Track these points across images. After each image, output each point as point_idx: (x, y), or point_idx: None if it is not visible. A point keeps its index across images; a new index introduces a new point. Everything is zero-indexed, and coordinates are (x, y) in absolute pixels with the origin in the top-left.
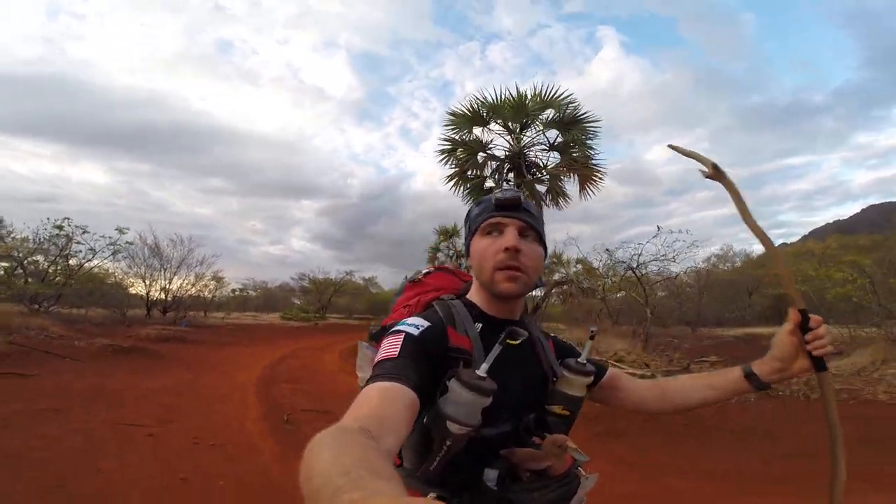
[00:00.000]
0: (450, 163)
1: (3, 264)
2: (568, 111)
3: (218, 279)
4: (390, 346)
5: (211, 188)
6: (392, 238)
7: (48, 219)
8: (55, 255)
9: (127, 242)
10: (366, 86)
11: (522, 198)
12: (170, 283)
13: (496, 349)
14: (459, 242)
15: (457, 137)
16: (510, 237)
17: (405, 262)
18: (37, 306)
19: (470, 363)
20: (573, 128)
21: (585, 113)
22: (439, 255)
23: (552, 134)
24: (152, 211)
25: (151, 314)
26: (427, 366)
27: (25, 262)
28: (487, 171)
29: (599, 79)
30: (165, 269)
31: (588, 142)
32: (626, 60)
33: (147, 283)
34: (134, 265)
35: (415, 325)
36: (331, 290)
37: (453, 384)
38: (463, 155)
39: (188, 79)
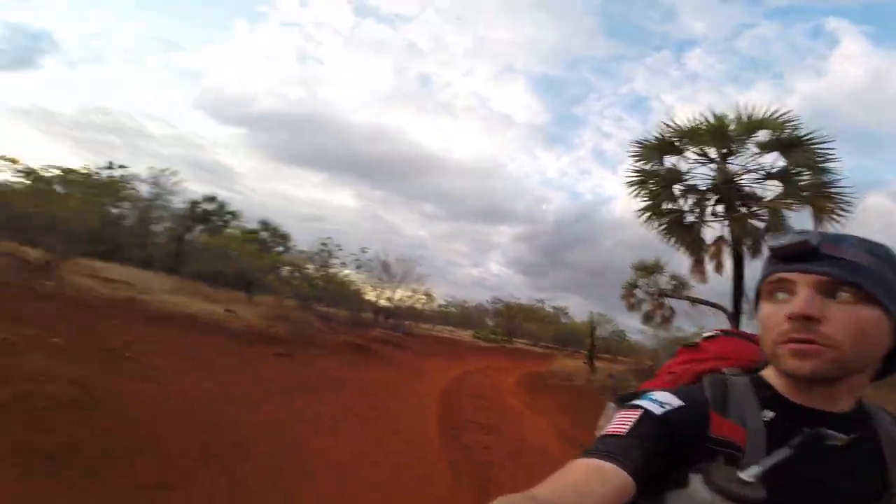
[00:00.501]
0: (641, 195)
1: (288, 268)
2: (787, 132)
3: (428, 295)
4: (621, 422)
5: (426, 213)
6: (588, 266)
7: (318, 239)
8: (319, 264)
9: (368, 259)
10: (550, 109)
11: (820, 240)
12: (394, 294)
13: (782, 452)
14: (664, 280)
15: (647, 168)
16: (800, 300)
17: (601, 294)
18: (304, 303)
19: (736, 461)
20: (795, 150)
21: (810, 133)
22: (636, 292)
23: (770, 158)
24: (386, 232)
25: (377, 319)
26: (663, 453)
27: (301, 269)
28: (686, 205)
29: (848, 76)
30: (392, 282)
31: (822, 164)
32: (878, 53)
33: (377, 292)
34: (370, 277)
35: (661, 401)
36: (520, 315)
37: (696, 481)
38: (655, 187)
39: (401, 112)
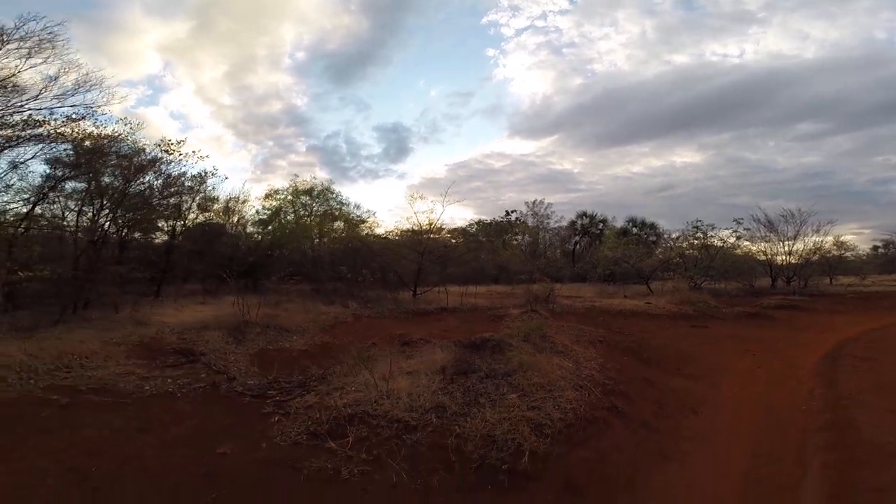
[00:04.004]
0: None
1: (673, 256)
2: None
3: (839, 244)
4: None
5: (804, 134)
6: None
7: (688, 222)
8: (699, 245)
9: (744, 228)
10: None
11: None
12: (788, 255)
13: None
14: None
15: None
16: None
17: None
18: (694, 284)
19: None
20: None
21: None
22: None
23: None
24: (754, 173)
25: (776, 284)
26: None
27: (682, 255)
28: None
29: None
30: (783, 241)
31: None
32: None
33: (768, 253)
34: (755, 240)
35: None
36: None
37: None
38: None
39: (700, 46)
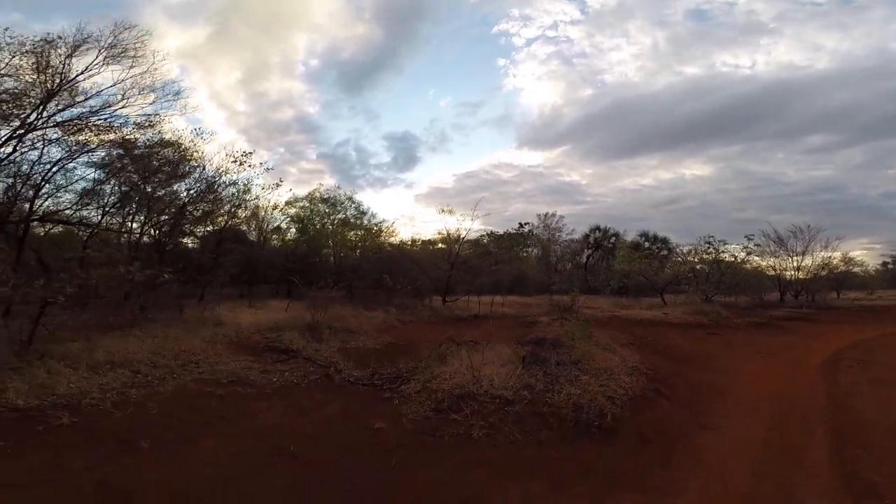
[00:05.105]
0: None
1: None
2: None
3: (847, 260)
4: None
5: (815, 147)
6: None
7: (699, 237)
8: (710, 260)
9: (755, 244)
10: None
11: None
12: (797, 269)
13: None
14: None
15: None
16: None
17: None
18: (706, 297)
19: None
20: None
21: None
22: None
23: None
24: (763, 187)
25: (784, 299)
26: None
27: (693, 269)
28: None
29: None
30: (791, 256)
31: None
32: None
33: (777, 269)
34: (764, 255)
35: None
36: None
37: None
38: None
39: (710, 58)
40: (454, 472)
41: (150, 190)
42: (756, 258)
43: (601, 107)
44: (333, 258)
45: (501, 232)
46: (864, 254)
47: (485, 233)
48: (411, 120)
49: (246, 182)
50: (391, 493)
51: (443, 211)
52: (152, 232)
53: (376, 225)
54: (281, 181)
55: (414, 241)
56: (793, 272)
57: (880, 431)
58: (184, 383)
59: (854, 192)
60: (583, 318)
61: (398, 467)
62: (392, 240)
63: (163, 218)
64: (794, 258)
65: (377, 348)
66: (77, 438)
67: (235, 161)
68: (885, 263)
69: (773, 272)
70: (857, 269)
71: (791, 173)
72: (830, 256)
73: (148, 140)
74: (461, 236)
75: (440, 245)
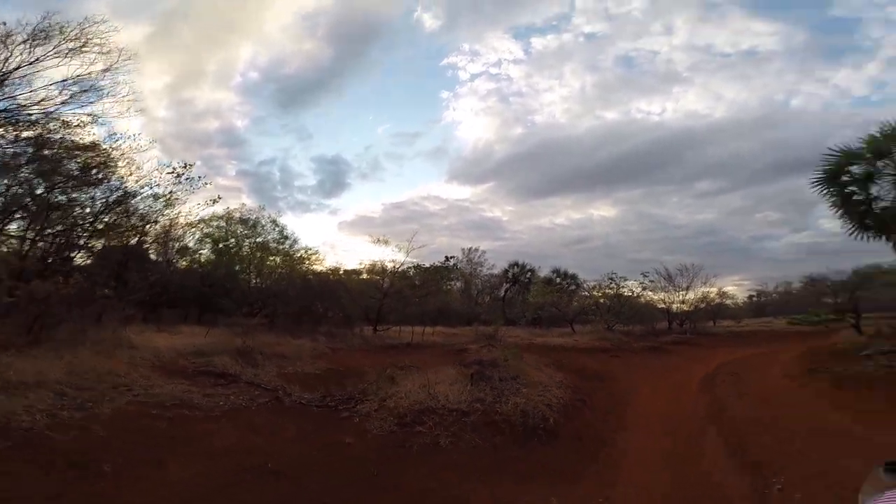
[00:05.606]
0: None
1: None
2: None
3: (722, 294)
4: None
5: (702, 192)
6: None
7: (603, 274)
8: (609, 294)
9: (650, 281)
10: (799, 21)
11: None
12: (682, 302)
13: None
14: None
15: None
16: None
17: None
18: (607, 326)
19: None
20: None
21: None
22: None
23: None
24: (658, 229)
25: (672, 327)
26: None
27: (597, 303)
28: None
29: None
30: (678, 289)
31: None
32: None
33: (666, 301)
34: (656, 290)
35: None
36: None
37: None
38: None
39: (629, 104)
40: (429, 476)
41: (46, 194)
42: (649, 293)
43: (528, 146)
44: (253, 283)
45: (427, 264)
46: (736, 289)
47: (411, 265)
48: (345, 144)
49: (168, 195)
50: (375, 497)
51: (378, 241)
52: (36, 241)
53: (301, 251)
54: (219, 197)
55: (337, 269)
56: (678, 304)
57: (751, 424)
58: (121, 406)
59: (729, 234)
60: (508, 344)
61: (380, 475)
62: (316, 267)
63: (57, 228)
64: (680, 292)
65: (317, 373)
66: (17, 464)
67: (173, 173)
68: (751, 296)
69: (663, 304)
70: (728, 302)
71: (681, 217)
72: (708, 291)
73: (62, 140)
74: (395, 267)
75: (364, 275)
